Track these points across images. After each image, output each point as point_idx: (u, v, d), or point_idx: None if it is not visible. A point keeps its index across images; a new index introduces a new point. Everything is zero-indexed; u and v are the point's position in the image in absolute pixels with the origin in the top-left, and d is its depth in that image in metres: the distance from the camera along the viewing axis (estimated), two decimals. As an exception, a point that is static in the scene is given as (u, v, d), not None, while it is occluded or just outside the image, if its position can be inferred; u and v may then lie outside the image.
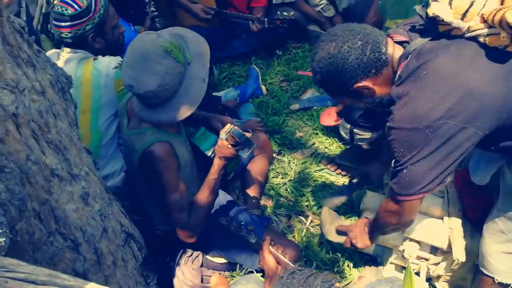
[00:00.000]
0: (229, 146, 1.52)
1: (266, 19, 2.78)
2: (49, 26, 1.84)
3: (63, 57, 1.68)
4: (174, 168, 1.54)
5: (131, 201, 1.92)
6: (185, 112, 1.45)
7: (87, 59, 1.69)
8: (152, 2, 2.82)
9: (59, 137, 0.95)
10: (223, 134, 1.50)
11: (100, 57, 1.71)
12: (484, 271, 1.48)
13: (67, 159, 0.99)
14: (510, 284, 1.44)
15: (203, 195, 1.62)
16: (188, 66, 1.47)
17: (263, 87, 2.86)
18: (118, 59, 1.68)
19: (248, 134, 1.53)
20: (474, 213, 1.66)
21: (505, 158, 1.33)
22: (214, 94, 2.68)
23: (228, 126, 1.51)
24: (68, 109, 1.11)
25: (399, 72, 1.21)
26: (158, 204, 1.60)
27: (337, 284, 1.05)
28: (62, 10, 1.61)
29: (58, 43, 1.78)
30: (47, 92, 0.95)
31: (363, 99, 1.32)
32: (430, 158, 1.15)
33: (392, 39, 1.27)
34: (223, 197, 1.96)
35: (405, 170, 1.20)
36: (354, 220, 2.08)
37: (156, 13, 2.57)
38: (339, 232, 1.78)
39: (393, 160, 1.24)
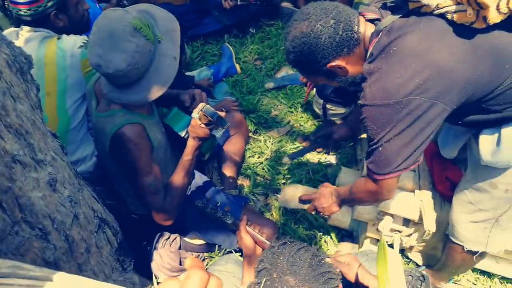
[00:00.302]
0: (202, 125, 1.49)
1: (238, -4, 2.72)
2: (5, 3, 1.72)
3: (23, 36, 1.58)
4: (146, 151, 1.50)
5: (103, 186, 1.88)
6: (156, 92, 1.40)
7: (50, 38, 1.59)
8: (120, -20, 2.70)
9: (20, 121, 0.90)
10: (195, 113, 1.46)
11: (64, 36, 1.61)
12: (454, 240, 1.54)
13: (30, 144, 0.94)
14: (478, 252, 1.50)
15: (178, 177, 1.59)
16: (158, 44, 1.41)
17: (237, 66, 2.81)
18: (83, 38, 1.59)
19: (221, 113, 1.50)
20: (443, 185, 1.71)
21: (471, 132, 1.36)
22: (187, 73, 2.62)
23: (200, 105, 1.47)
24: (29, 91, 1.04)
25: (370, 49, 1.21)
26: (132, 188, 1.56)
27: (327, 260, 1.06)
28: None
29: (17, 21, 1.67)
30: (3, 73, 0.89)
31: (336, 78, 1.32)
32: (403, 135, 1.16)
33: (364, 17, 1.26)
34: (199, 178, 1.94)
35: (380, 149, 1.20)
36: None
37: (122, -11, 2.46)
38: (302, 201, 1.77)
39: (368, 139, 1.25)
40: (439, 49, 1.11)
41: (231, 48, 2.87)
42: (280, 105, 2.61)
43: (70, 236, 1.11)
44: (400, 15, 1.18)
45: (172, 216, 1.58)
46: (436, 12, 1.11)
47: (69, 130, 1.69)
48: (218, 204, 1.73)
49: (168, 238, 1.76)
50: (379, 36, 1.19)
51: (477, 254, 1.52)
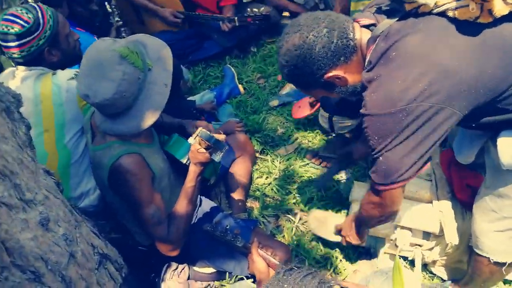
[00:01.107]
0: (202, 150, 1.45)
1: (236, 18, 2.71)
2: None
3: (18, 76, 1.58)
4: (146, 180, 1.46)
5: (108, 219, 1.85)
6: (148, 120, 1.37)
7: (45, 74, 1.59)
8: (116, 12, 2.74)
9: (3, 161, 0.87)
10: (191, 139, 1.42)
11: (59, 71, 1.61)
12: (479, 252, 1.43)
13: (17, 184, 0.90)
14: (506, 263, 1.39)
15: (181, 205, 1.54)
16: (148, 72, 1.39)
17: (240, 86, 2.79)
18: (76, 70, 1.59)
19: (220, 136, 1.46)
20: (463, 193, 1.61)
21: (488, 134, 1.28)
22: (189, 98, 2.61)
23: (198, 130, 1.44)
24: (17, 130, 1.02)
25: (368, 57, 1.16)
26: (135, 219, 1.52)
27: (335, 287, 1.00)
28: (8, 30, 1.49)
29: (17, 63, 1.68)
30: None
31: (336, 89, 1.26)
32: (406, 143, 1.09)
33: (359, 23, 1.21)
34: (206, 204, 1.89)
35: (381, 158, 1.14)
36: (344, 213, 2.02)
37: (120, 22, 2.49)
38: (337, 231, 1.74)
39: (370, 149, 1.18)
40: (442, 50, 1.04)
41: (232, 69, 2.86)
42: (286, 122, 2.56)
43: (67, 276, 1.06)
44: (397, 19, 1.12)
45: (178, 246, 1.52)
46: (435, 11, 1.05)
47: (71, 165, 1.67)
48: (227, 227, 1.68)
49: (176, 269, 1.70)
50: (376, 42, 1.13)
51: (506, 266, 1.41)
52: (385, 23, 1.15)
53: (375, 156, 1.16)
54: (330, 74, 1.19)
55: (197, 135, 1.40)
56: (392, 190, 1.19)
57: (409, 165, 1.11)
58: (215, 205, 1.91)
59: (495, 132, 1.22)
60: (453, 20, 1.05)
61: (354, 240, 1.57)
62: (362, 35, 1.19)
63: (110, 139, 1.43)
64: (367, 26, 1.21)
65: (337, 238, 1.73)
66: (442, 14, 1.06)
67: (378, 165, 1.16)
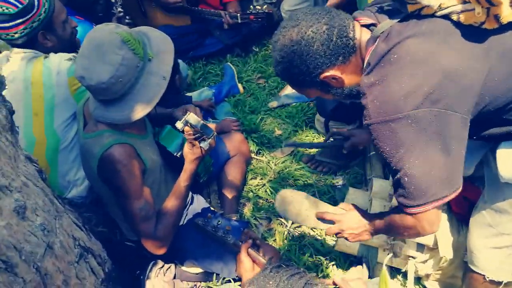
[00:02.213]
0: (190, 147, 1.39)
1: (238, 14, 2.67)
2: None
3: (13, 58, 1.55)
4: (136, 173, 1.41)
5: (97, 212, 1.79)
6: (141, 111, 1.33)
7: (37, 57, 1.56)
8: (119, 3, 2.70)
9: (-21, 144, 0.82)
10: (179, 124, 1.37)
11: (51, 54, 1.58)
12: (474, 268, 1.38)
13: (-8, 168, 0.86)
14: (502, 282, 1.34)
15: (171, 203, 1.49)
16: (148, 63, 1.35)
17: (239, 85, 2.75)
18: (71, 55, 1.55)
19: (212, 126, 1.40)
20: (460, 206, 1.57)
21: (488, 146, 1.23)
22: (187, 94, 2.56)
23: (186, 115, 1.38)
24: (-3, 112, 0.97)
25: (367, 58, 1.10)
26: (122, 213, 1.47)
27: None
28: (3, 10, 1.46)
29: (12, 46, 1.64)
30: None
31: (331, 90, 1.20)
32: (426, 155, 1.01)
33: (359, 22, 1.15)
34: (197, 204, 1.84)
35: (406, 178, 1.04)
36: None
37: (122, 13, 2.44)
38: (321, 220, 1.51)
39: (386, 166, 1.11)
40: (446, 53, 0.99)
41: (233, 67, 2.81)
42: (284, 124, 2.52)
43: (42, 267, 1.01)
44: (399, 19, 1.07)
45: (164, 245, 1.47)
46: (439, 13, 1.00)
47: (59, 151, 1.62)
48: (219, 223, 1.63)
49: (162, 267, 1.65)
50: (376, 43, 1.08)
51: (502, 285, 1.36)
52: (386, 23, 1.09)
53: (398, 175, 1.06)
54: (326, 74, 1.14)
55: (184, 119, 1.35)
56: (427, 212, 1.08)
57: (439, 180, 1.02)
58: (206, 205, 1.86)
59: (495, 143, 1.17)
60: (457, 24, 1.00)
61: (358, 237, 1.39)
62: (362, 35, 1.13)
63: (101, 127, 1.39)
64: (367, 26, 1.15)
65: (319, 225, 1.51)
66: (446, 17, 1.01)
67: (404, 185, 1.06)
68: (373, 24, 1.13)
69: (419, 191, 1.05)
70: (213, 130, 1.37)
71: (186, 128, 1.34)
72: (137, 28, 1.45)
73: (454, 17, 0.99)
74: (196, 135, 1.37)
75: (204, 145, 1.36)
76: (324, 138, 2.35)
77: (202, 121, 1.35)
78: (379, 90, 1.04)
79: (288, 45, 1.11)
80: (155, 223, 1.45)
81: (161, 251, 1.48)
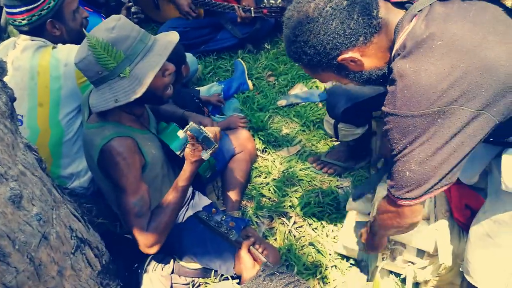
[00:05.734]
0: (198, 148, 1.39)
1: (252, 8, 2.64)
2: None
3: (19, 45, 1.55)
4: (135, 167, 1.41)
5: (98, 203, 1.80)
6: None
7: (45, 47, 1.55)
8: (131, -5, 2.69)
9: (-26, 131, 0.82)
10: (181, 132, 1.36)
11: (60, 45, 1.57)
12: (469, 279, 1.33)
13: (-13, 156, 0.86)
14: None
15: (168, 202, 1.48)
16: (117, 78, 1.32)
17: (249, 82, 2.72)
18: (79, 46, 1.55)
19: (211, 132, 1.39)
20: (461, 214, 1.53)
21: (494, 153, 1.18)
22: (196, 88, 2.55)
23: (189, 124, 1.37)
24: (-4, 100, 0.97)
25: (400, 38, 0.99)
26: (117, 206, 1.47)
27: None
28: None
29: (20, 31, 1.64)
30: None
31: (349, 74, 1.10)
32: (440, 151, 0.95)
33: (389, 0, 1.05)
34: (198, 201, 1.83)
35: (408, 173, 1.00)
36: (339, 223, 1.95)
37: (131, 3, 2.44)
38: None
39: (390, 155, 1.04)
40: (494, 45, 0.90)
41: (243, 63, 2.79)
42: (292, 123, 2.49)
43: (36, 258, 1.01)
44: None
45: (155, 244, 1.45)
46: None
47: (63, 143, 1.63)
48: (223, 219, 1.62)
49: (160, 261, 1.65)
50: (415, 22, 0.96)
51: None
52: (425, 0, 0.99)
53: (399, 165, 1.02)
54: (345, 56, 1.02)
55: (187, 129, 1.34)
56: (413, 206, 1.07)
57: (441, 175, 0.98)
58: (208, 202, 1.85)
59: (504, 147, 1.10)
60: (509, 10, 0.91)
61: (370, 250, 1.43)
62: (389, 14, 1.02)
63: (104, 119, 1.39)
64: (401, 4, 1.04)
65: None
66: (496, 0, 0.92)
67: (403, 178, 1.02)
68: (409, 2, 1.03)
69: (417, 184, 1.01)
70: (215, 143, 1.36)
71: (189, 133, 1.33)
72: (152, 38, 1.38)
73: (508, 2, 0.90)
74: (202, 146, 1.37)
75: (204, 155, 1.36)
76: (331, 140, 2.32)
77: (204, 134, 1.33)
78: (413, 80, 0.94)
79: (303, 23, 0.99)
80: (148, 221, 1.44)
81: (152, 250, 1.46)
